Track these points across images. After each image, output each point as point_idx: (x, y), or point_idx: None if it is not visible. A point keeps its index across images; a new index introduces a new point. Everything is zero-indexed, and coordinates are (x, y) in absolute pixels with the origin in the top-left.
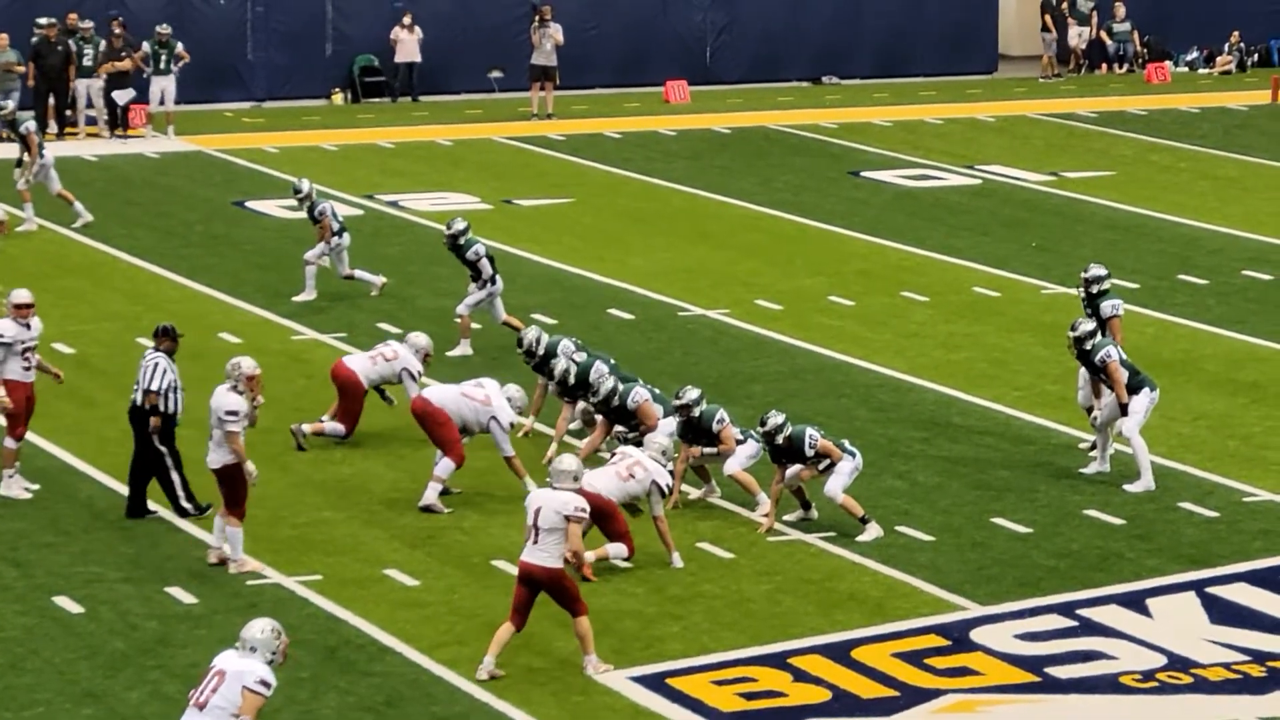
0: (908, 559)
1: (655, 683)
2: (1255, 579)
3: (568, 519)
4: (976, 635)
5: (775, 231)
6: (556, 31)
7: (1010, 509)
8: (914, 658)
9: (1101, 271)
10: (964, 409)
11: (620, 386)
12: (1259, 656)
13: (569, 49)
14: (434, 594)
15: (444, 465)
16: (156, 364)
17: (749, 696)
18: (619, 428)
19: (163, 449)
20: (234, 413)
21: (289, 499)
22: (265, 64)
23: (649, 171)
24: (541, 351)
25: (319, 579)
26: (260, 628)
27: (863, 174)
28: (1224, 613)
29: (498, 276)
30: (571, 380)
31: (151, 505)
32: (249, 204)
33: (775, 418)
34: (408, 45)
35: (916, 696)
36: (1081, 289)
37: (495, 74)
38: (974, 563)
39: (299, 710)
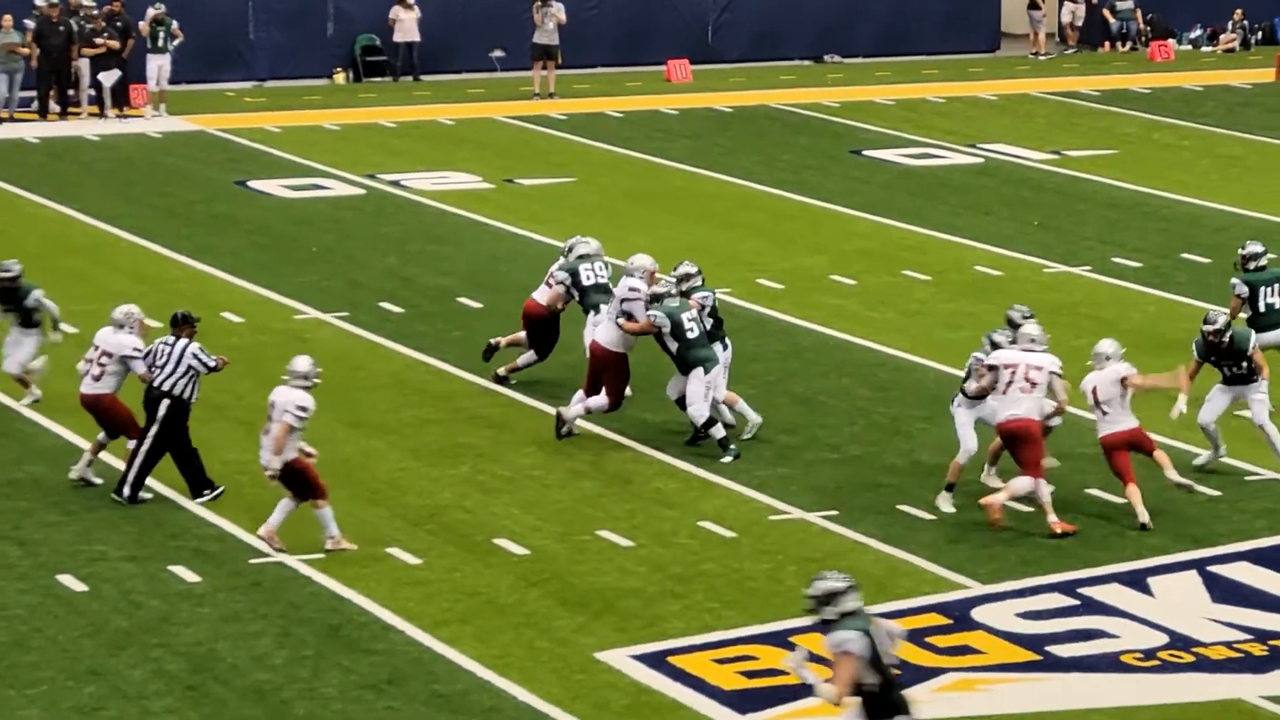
0: (909, 538)
1: (657, 661)
2: (1257, 558)
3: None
4: (978, 614)
5: (777, 210)
6: (559, 10)
7: None
8: (915, 636)
9: (1258, 248)
10: None
11: None
12: (1261, 635)
13: (571, 28)
14: (436, 572)
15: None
16: (199, 348)
17: (750, 675)
18: None
19: (158, 433)
20: (304, 408)
21: None
22: (267, 43)
23: (650, 150)
24: None
25: (322, 558)
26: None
27: (864, 153)
28: (1226, 591)
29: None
30: None
31: (145, 495)
32: (251, 184)
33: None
34: (406, 24)
35: (918, 675)
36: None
37: (497, 53)
38: (975, 541)
39: (301, 688)
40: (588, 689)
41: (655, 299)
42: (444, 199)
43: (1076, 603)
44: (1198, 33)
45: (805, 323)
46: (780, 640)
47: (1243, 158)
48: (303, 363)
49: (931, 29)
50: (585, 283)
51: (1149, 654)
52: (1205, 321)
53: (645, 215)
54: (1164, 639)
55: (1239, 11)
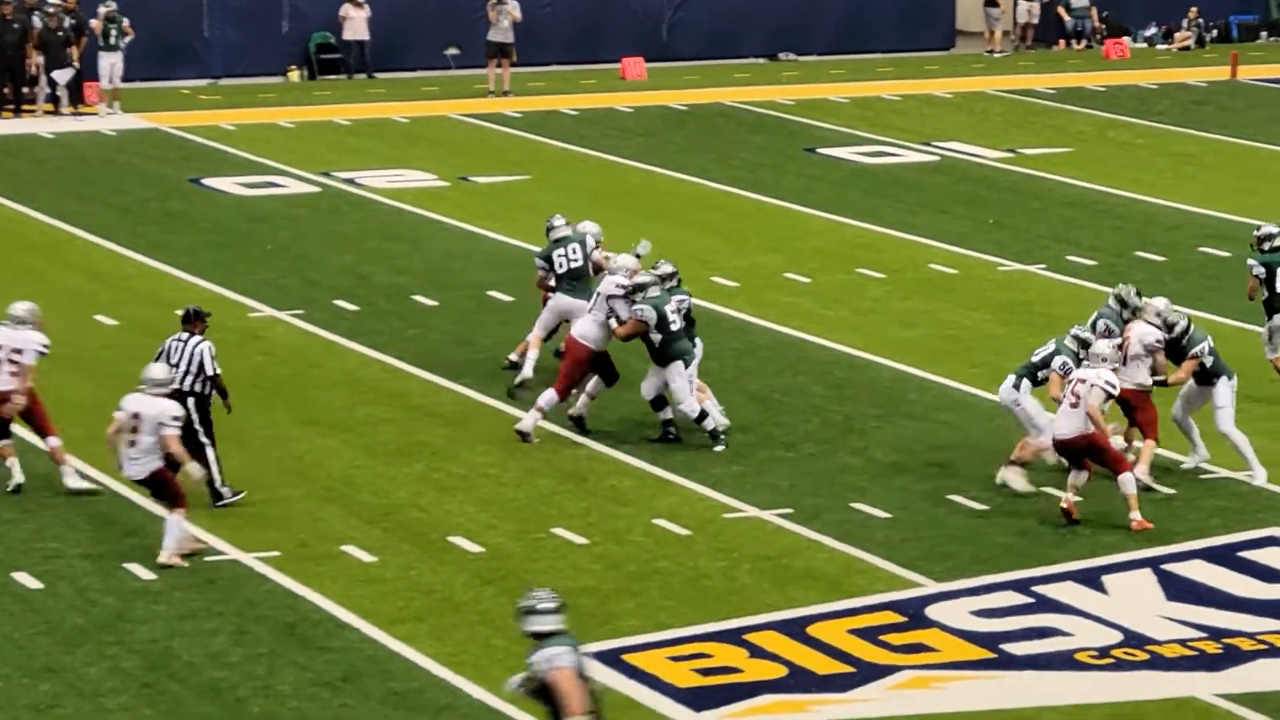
0: (864, 536)
1: (612, 659)
2: (1212, 556)
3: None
4: (932, 612)
5: (731, 208)
6: (514, 8)
7: (966, 486)
8: (870, 634)
9: (1274, 229)
10: (920, 386)
11: None
12: (1215, 633)
13: (525, 25)
14: (391, 570)
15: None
16: (210, 349)
17: (705, 672)
18: None
19: (201, 430)
20: (177, 417)
21: (247, 476)
22: (221, 41)
23: (605, 148)
24: None
25: (277, 555)
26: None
27: (819, 151)
28: (1180, 589)
29: None
30: None
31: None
32: (205, 181)
33: (1181, 320)
34: (356, 23)
35: (872, 672)
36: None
37: (452, 51)
38: (930, 539)
39: (256, 685)
40: None
41: (638, 289)
42: (399, 197)
43: (1031, 601)
44: (1153, 31)
45: (760, 321)
46: (735, 638)
47: (1198, 156)
48: (158, 370)
49: (887, 27)
50: (559, 270)
51: (1103, 652)
52: (1166, 326)
53: (600, 213)
54: (1118, 637)
55: (1194, 9)
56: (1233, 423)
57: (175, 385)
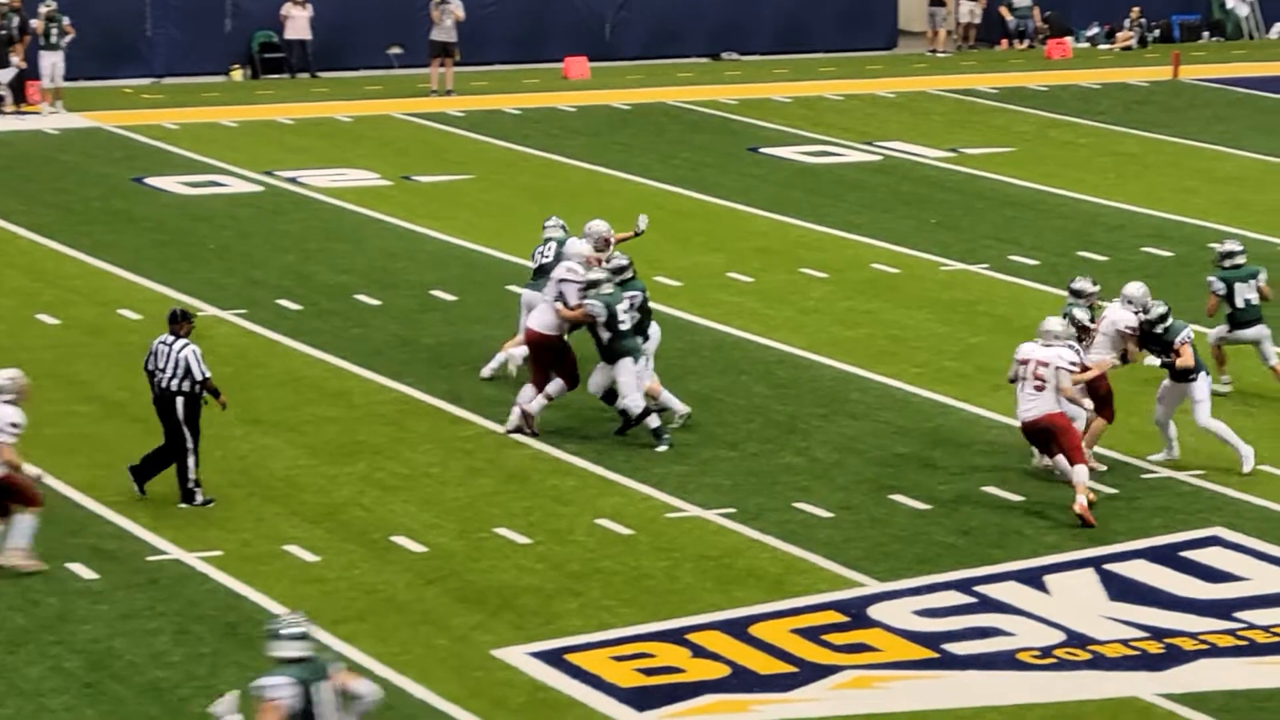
0: (807, 535)
1: (554, 658)
2: (1154, 556)
3: None
4: (875, 612)
5: (674, 208)
6: (457, 7)
7: (909, 486)
8: (812, 634)
9: (1235, 246)
10: (863, 385)
11: None
12: (1157, 633)
13: (469, 25)
14: (334, 570)
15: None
16: (195, 352)
17: (647, 672)
18: None
19: (187, 431)
20: (15, 424)
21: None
22: (165, 40)
23: (548, 148)
24: None
25: (220, 555)
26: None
27: (762, 150)
28: (1122, 589)
29: None
30: None
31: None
32: (149, 180)
33: (1159, 307)
34: (299, 22)
35: (814, 672)
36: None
37: (395, 50)
38: (872, 539)
39: (199, 685)
40: (485, 686)
41: (592, 285)
42: (342, 196)
43: (973, 600)
44: (1095, 31)
45: (702, 320)
46: (678, 638)
47: (1140, 155)
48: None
49: (829, 26)
50: (532, 264)
51: (1045, 652)
52: (1144, 310)
53: (543, 213)
54: (1060, 637)
55: (1136, 9)
56: (1209, 415)
57: (163, 386)
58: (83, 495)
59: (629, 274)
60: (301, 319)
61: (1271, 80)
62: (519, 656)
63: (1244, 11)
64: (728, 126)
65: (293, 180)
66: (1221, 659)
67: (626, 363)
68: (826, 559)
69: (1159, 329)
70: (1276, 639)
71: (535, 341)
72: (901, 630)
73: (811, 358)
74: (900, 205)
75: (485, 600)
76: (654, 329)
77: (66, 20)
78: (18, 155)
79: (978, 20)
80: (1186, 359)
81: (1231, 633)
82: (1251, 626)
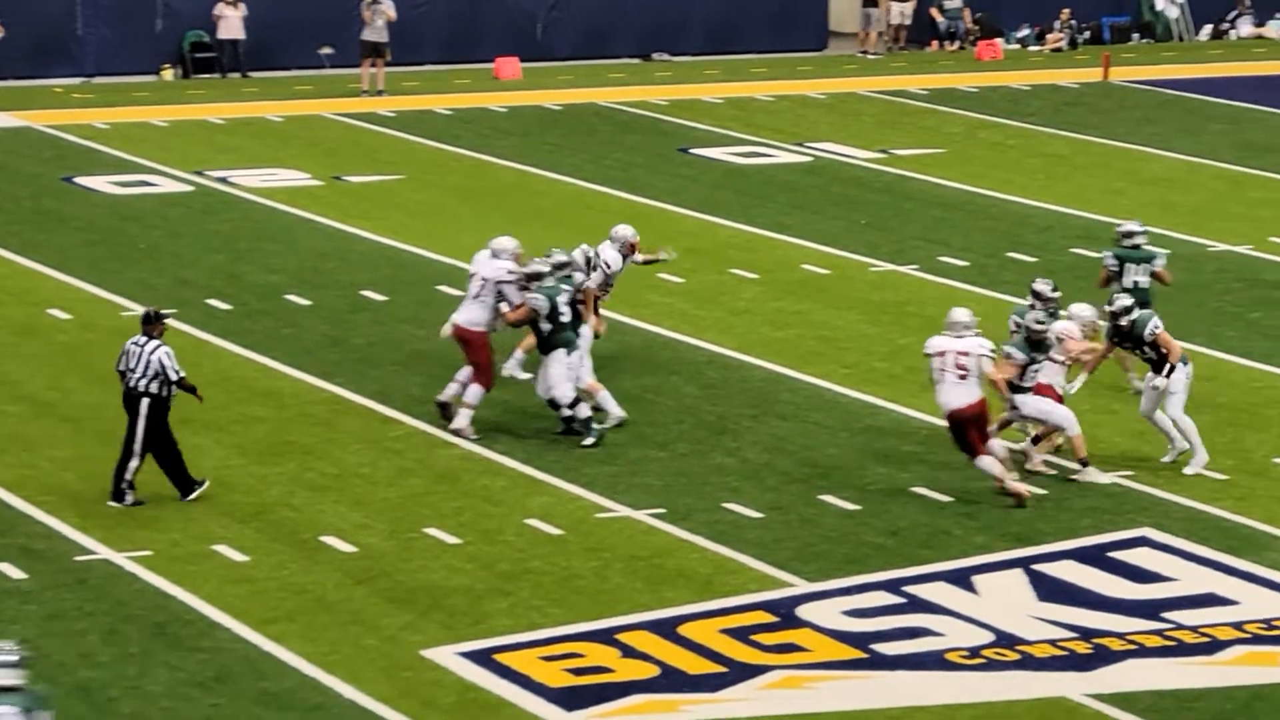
0: (736, 536)
1: (483, 658)
2: (1082, 556)
3: None
4: (804, 612)
5: (605, 208)
6: (388, 7)
7: (838, 486)
8: (741, 634)
9: (1135, 226)
10: (792, 386)
11: None
12: (1086, 633)
13: (400, 25)
14: (263, 570)
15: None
16: (168, 353)
17: (577, 672)
18: None
19: (142, 432)
20: None
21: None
22: (95, 39)
23: (479, 148)
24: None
25: (148, 555)
26: None
27: (693, 151)
28: (1051, 590)
29: None
30: None
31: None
32: (79, 180)
33: (1123, 299)
34: (232, 22)
35: (744, 672)
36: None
37: (326, 50)
38: (802, 540)
39: (127, 686)
40: (414, 686)
41: (534, 278)
42: (272, 196)
43: (902, 601)
44: (1025, 32)
45: (632, 320)
46: (607, 638)
47: (1069, 157)
48: None
49: (760, 27)
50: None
51: (974, 652)
52: (1108, 302)
53: (473, 213)
54: (989, 637)
55: (1066, 11)
56: (1182, 409)
57: (131, 385)
58: (11, 495)
59: (567, 271)
60: (231, 319)
61: (1200, 82)
62: (448, 656)
63: (1174, 14)
64: (658, 127)
65: (223, 180)
66: (1149, 659)
67: (559, 354)
68: (756, 559)
69: (1124, 321)
70: (1204, 639)
71: (472, 339)
72: (830, 630)
73: (741, 358)
74: (830, 206)
75: (415, 600)
76: (585, 329)
77: None
78: None
79: (908, 21)
80: (1169, 345)
81: (1159, 633)
82: (1179, 627)
